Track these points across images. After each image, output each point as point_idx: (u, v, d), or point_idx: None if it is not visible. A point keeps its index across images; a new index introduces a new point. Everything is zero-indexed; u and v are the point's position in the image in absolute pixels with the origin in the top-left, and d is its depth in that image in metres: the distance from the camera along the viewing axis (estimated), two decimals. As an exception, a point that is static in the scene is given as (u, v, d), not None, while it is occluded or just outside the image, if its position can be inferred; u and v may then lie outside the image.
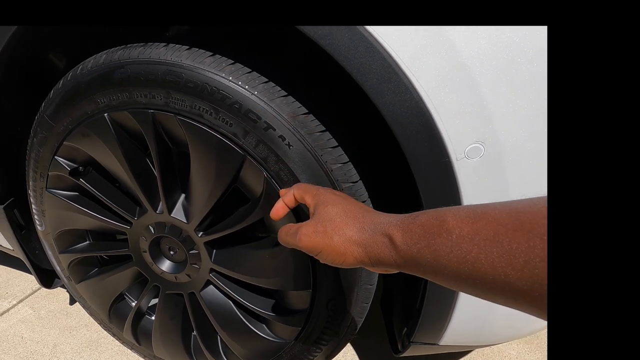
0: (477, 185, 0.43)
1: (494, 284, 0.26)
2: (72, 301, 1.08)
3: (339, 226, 0.36)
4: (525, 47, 0.39)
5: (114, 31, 0.71)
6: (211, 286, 0.69)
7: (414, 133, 0.42)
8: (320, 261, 0.38)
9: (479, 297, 0.28)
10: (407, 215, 0.33)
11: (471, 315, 0.53)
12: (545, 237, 0.24)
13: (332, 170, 0.51)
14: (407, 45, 0.40)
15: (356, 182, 0.52)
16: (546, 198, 0.26)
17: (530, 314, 0.26)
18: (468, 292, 0.29)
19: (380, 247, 0.33)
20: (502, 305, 0.27)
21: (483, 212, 0.28)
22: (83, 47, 0.74)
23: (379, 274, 0.59)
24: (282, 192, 0.46)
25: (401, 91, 0.41)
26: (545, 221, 0.24)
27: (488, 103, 0.39)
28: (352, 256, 0.35)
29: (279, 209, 0.44)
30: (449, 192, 0.44)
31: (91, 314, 0.88)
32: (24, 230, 0.88)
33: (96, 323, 0.96)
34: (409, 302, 0.61)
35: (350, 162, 0.52)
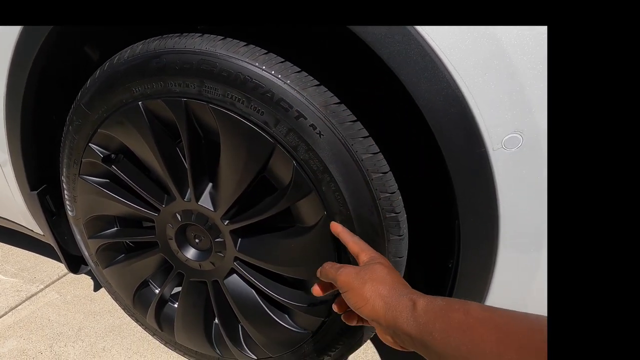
0: (513, 178, 0.42)
1: None
2: (97, 287, 1.11)
3: (375, 279, 0.41)
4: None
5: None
6: (235, 275, 0.70)
7: (449, 122, 0.42)
8: (343, 298, 0.44)
9: None
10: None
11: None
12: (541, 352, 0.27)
13: (362, 160, 0.51)
14: (445, 32, 0.39)
15: (386, 172, 0.52)
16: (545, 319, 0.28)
17: None
18: None
19: (400, 308, 0.37)
20: None
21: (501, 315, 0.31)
22: (117, 40, 0.77)
23: (405, 262, 0.59)
24: (337, 227, 0.52)
25: (438, 79, 0.40)
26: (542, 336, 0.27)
27: (528, 91, 0.39)
28: (371, 306, 0.40)
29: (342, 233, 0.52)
30: (483, 184, 0.43)
31: (116, 299, 0.90)
32: (54, 217, 0.91)
33: (119, 309, 0.99)
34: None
35: (380, 153, 0.52)
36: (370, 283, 0.40)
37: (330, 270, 0.46)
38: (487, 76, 0.39)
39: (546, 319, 0.28)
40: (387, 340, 0.40)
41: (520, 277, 0.49)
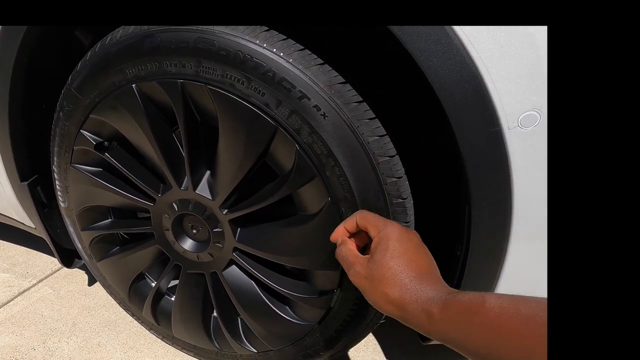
0: (530, 159, 0.40)
1: None
2: (91, 282, 1.08)
3: (386, 281, 0.39)
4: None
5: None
6: (234, 266, 0.67)
7: (462, 99, 0.39)
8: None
9: None
10: (451, 291, 0.36)
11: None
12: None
13: (368, 143, 0.48)
14: (459, 3, 0.37)
15: (393, 156, 0.50)
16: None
17: None
18: None
19: (416, 318, 0.36)
20: None
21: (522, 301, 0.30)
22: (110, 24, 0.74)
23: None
24: (337, 234, 0.49)
25: (452, 53, 0.38)
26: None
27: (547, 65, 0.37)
28: (386, 311, 0.39)
29: (338, 232, 0.48)
30: (497, 166, 0.41)
31: (111, 293, 0.87)
32: (46, 208, 0.88)
33: (114, 304, 0.96)
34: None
35: (387, 136, 0.49)
36: (380, 288, 0.39)
37: (345, 264, 0.45)
38: (504, 49, 0.37)
39: None
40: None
41: (532, 266, 0.48)
